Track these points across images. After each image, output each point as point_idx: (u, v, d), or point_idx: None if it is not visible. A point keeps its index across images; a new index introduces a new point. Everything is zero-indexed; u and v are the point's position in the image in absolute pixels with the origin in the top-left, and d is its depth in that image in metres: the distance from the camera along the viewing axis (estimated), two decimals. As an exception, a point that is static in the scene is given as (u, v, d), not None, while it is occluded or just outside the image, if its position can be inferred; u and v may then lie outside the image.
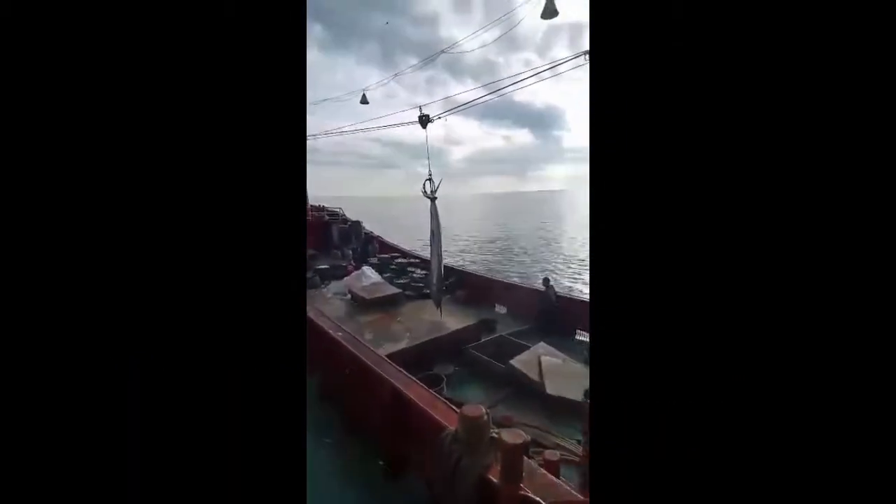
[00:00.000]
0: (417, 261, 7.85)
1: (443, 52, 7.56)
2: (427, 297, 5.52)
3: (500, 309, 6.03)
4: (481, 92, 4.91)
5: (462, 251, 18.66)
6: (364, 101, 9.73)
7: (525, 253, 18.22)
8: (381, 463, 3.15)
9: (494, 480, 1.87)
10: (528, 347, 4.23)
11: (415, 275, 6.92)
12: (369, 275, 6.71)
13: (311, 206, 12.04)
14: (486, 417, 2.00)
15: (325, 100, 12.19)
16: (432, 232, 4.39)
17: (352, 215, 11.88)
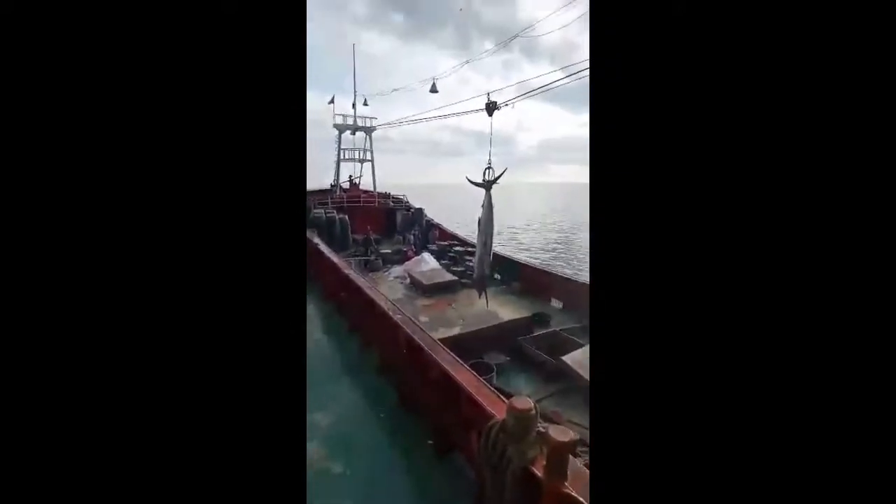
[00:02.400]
0: (474, 249, 7.89)
1: (515, 36, 7.35)
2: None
3: (557, 303, 5.89)
4: (558, 75, 4.70)
5: (520, 242, 18.31)
6: (433, 89, 9.79)
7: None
8: (429, 442, 3.29)
9: (538, 475, 1.88)
10: (583, 345, 4.11)
11: (470, 263, 6.97)
12: (428, 261, 6.90)
13: (378, 192, 12.58)
14: (534, 411, 2.01)
15: (395, 90, 12.50)
16: (479, 220, 4.38)
17: (417, 203, 12.18)
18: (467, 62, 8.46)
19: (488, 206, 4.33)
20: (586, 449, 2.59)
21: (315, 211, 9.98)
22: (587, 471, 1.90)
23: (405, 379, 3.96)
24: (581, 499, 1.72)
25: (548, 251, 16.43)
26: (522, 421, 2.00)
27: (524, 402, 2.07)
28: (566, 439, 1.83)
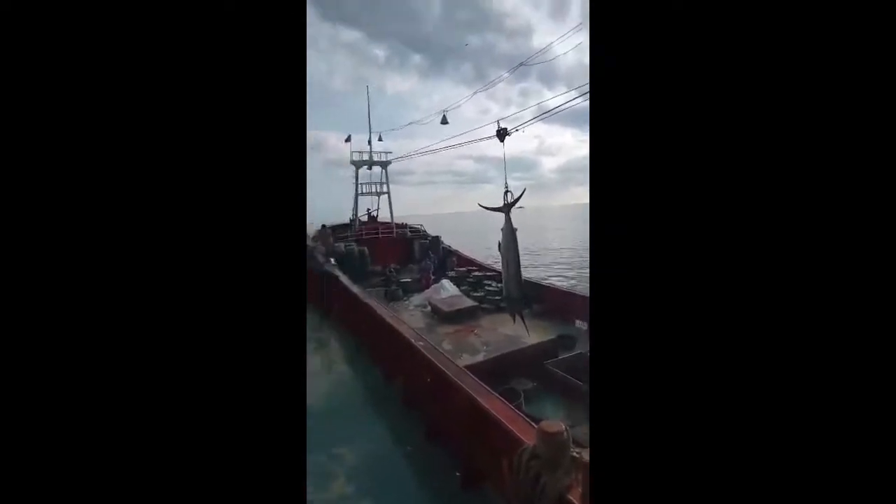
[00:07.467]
0: (493, 273, 7.85)
1: (521, 64, 7.56)
2: (503, 310, 5.48)
3: (582, 325, 5.73)
4: (570, 97, 4.77)
5: (546, 264, 18.09)
6: (444, 121, 10.07)
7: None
8: (457, 474, 3.18)
9: (575, 502, 1.79)
10: (614, 367, 3.95)
11: (490, 287, 6.92)
12: (447, 287, 6.89)
13: (396, 223, 12.82)
14: (566, 434, 1.94)
15: (409, 123, 12.93)
16: (500, 244, 4.39)
17: (438, 231, 12.32)
18: (475, 93, 8.73)
19: (508, 230, 4.35)
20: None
21: (336, 245, 10.22)
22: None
23: (431, 409, 3.88)
24: None
25: (575, 270, 16.14)
26: (554, 445, 1.93)
27: (555, 425, 2.00)
28: (602, 464, 1.75)
